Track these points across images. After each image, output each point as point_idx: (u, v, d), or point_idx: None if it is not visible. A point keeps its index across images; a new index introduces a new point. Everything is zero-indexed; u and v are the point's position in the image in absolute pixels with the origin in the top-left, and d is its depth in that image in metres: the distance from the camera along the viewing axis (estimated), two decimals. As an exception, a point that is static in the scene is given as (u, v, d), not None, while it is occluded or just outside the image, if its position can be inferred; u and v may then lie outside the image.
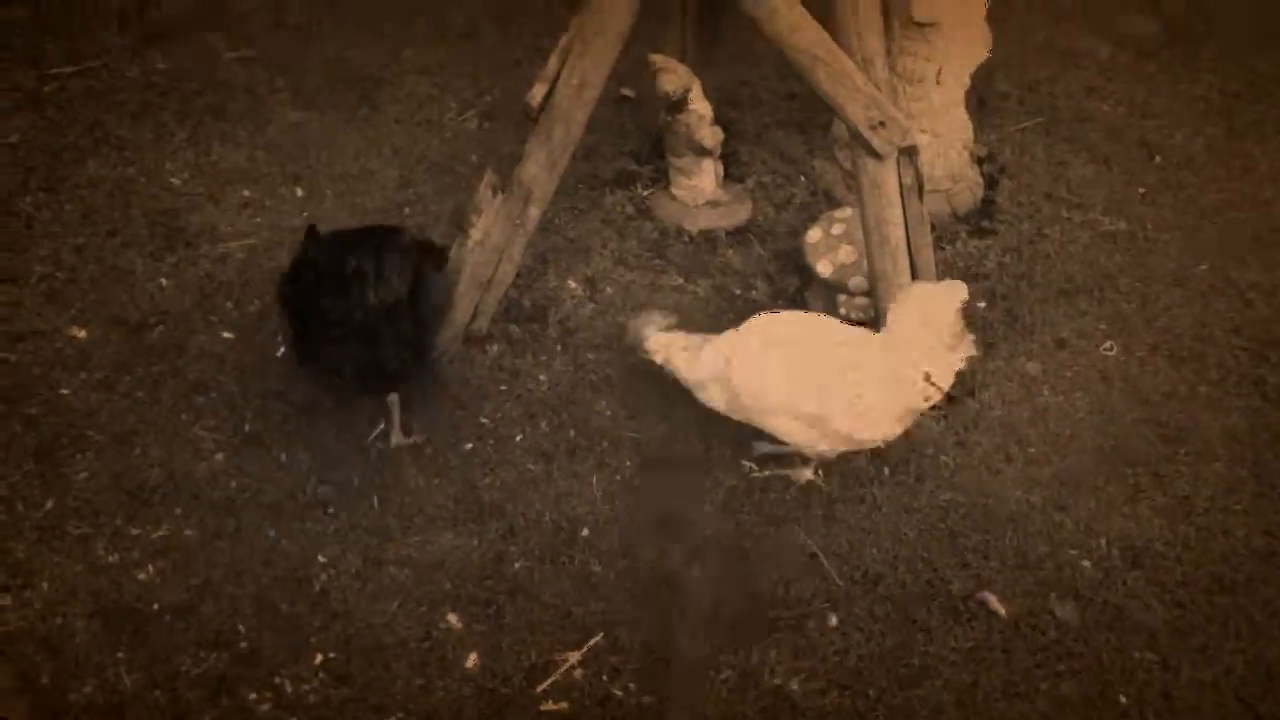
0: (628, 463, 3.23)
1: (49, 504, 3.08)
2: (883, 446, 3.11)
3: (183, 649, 2.80)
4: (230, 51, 4.42)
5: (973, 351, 2.89)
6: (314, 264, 2.94)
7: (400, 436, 3.22)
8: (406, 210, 3.95)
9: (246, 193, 3.94)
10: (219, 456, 3.21)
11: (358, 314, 2.91)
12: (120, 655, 2.79)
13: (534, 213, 3.32)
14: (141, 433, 3.24)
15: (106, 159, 4.00)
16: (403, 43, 4.59)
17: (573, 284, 3.72)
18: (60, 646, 2.80)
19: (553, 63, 3.17)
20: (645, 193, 4.04)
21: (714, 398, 3.05)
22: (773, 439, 3.10)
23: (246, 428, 3.27)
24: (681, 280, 3.75)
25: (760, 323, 3.04)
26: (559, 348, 3.52)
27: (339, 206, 3.94)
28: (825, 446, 3.02)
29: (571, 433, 3.29)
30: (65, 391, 3.33)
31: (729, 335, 3.04)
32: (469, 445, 3.26)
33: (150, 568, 2.96)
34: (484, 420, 3.32)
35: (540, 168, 3.23)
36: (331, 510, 3.10)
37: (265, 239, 3.80)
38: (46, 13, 4.44)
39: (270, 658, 2.79)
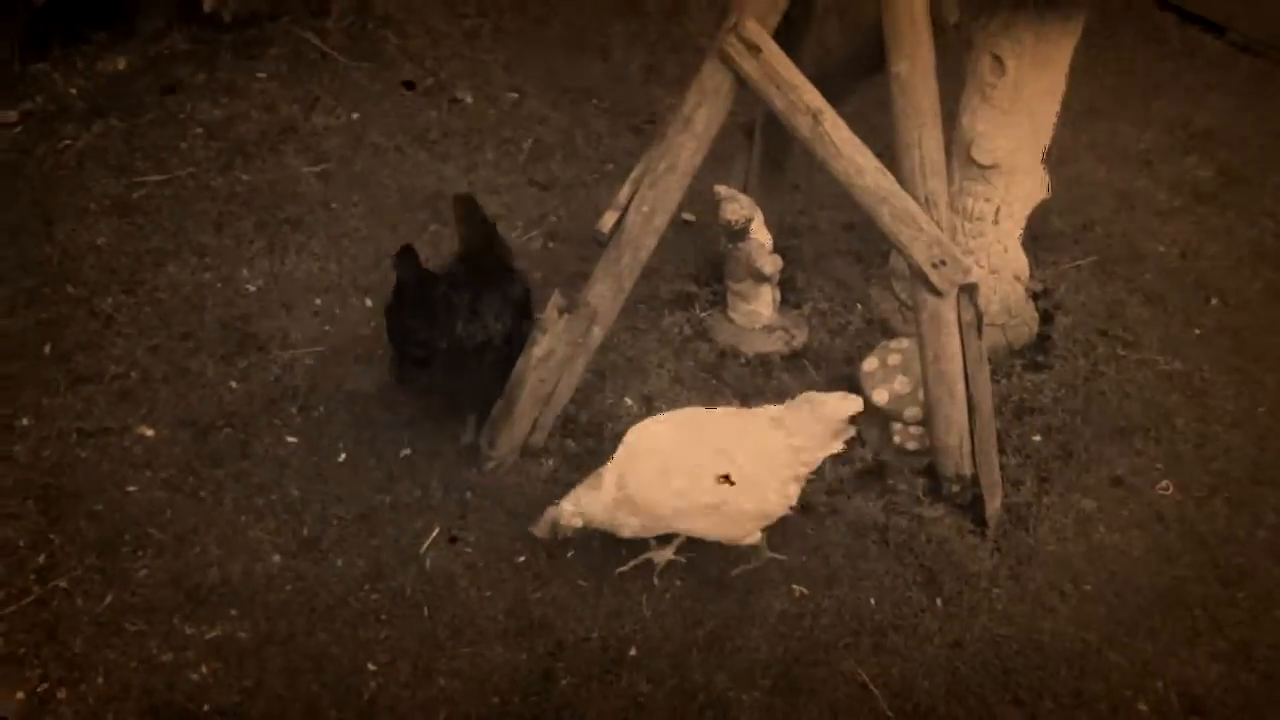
0: (678, 582, 3.23)
1: (108, 599, 3.13)
2: (791, 512, 3.14)
3: (229, 752, 2.81)
4: (309, 166, 4.62)
5: (851, 434, 3.07)
6: (405, 287, 3.29)
7: (471, 436, 3.44)
8: (470, 324, 4.04)
9: (318, 301, 4.07)
10: (276, 559, 3.26)
11: (443, 343, 3.20)
12: (169, 756, 2.80)
13: (597, 333, 3.40)
14: (202, 533, 3.30)
15: (186, 264, 4.15)
16: (473, 163, 4.77)
17: (629, 401, 3.78)
18: (110, 744, 2.82)
19: (624, 191, 3.29)
20: (703, 314, 4.12)
21: (631, 528, 3.07)
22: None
23: (305, 532, 3.33)
24: (737, 402, 3.79)
25: (637, 436, 3.10)
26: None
27: (405, 317, 4.04)
28: (731, 531, 3.08)
29: (623, 550, 3.30)
30: (131, 489, 3.41)
31: (613, 463, 3.06)
32: (521, 558, 3.29)
33: (203, 668, 2.99)
34: (537, 534, 3.34)
35: (607, 290, 3.32)
36: (384, 618, 3.12)
37: (334, 346, 3.91)
38: (140, 125, 4.67)
39: (317, 766, 2.79)
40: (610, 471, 3.06)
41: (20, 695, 2.92)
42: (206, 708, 2.90)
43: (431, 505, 3.39)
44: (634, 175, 3.34)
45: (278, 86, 4.97)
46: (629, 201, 3.30)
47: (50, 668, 2.97)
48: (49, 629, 3.05)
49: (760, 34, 3.07)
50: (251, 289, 4.10)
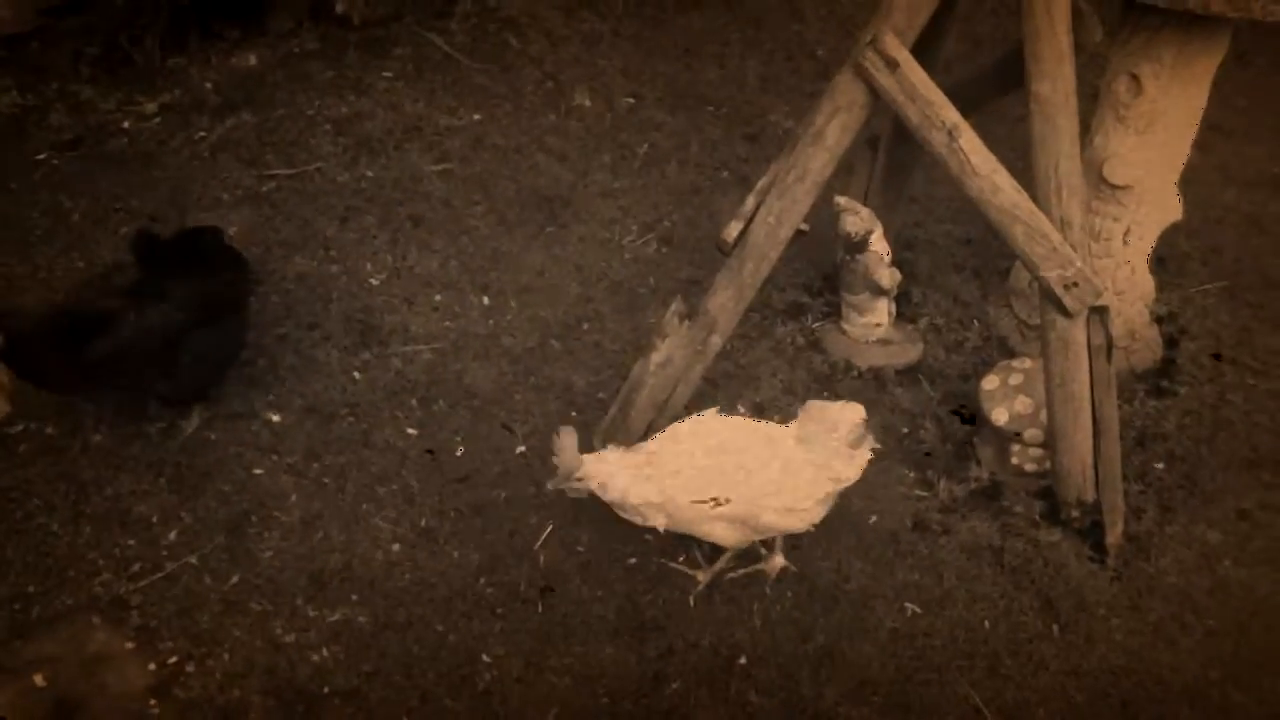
0: (789, 593, 3.23)
1: (235, 578, 3.24)
2: (811, 529, 3.11)
3: (350, 733, 2.88)
4: (432, 165, 4.71)
5: (876, 445, 3.06)
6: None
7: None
8: (585, 325, 4.10)
9: (438, 298, 4.16)
10: (395, 548, 3.33)
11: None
12: (291, 733, 2.89)
13: (716, 341, 3.42)
14: (325, 518, 3.40)
15: (312, 255, 4.27)
16: (589, 166, 4.82)
17: (741, 410, 3.78)
18: (236, 719, 2.92)
19: (750, 201, 3.30)
20: (815, 325, 4.11)
21: (655, 520, 3.05)
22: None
23: (423, 522, 3.40)
24: (848, 416, 3.77)
25: (681, 432, 3.08)
26: (725, 472, 3.56)
27: (521, 316, 4.12)
28: (757, 537, 3.10)
29: (733, 561, 3.31)
30: (258, 472, 3.52)
31: (652, 452, 3.04)
32: (633, 560, 3.32)
33: (324, 651, 3.07)
34: (648, 537, 3.37)
35: (728, 300, 3.34)
36: (498, 611, 3.18)
37: (452, 342, 3.99)
38: (270, 119, 4.82)
39: (431, 753, 2.85)
40: (645, 469, 3.02)
41: (152, 666, 3.04)
42: (327, 689, 2.98)
43: (545, 503, 3.43)
44: (760, 185, 3.34)
45: (403, 86, 5.08)
46: (754, 212, 3.30)
47: (180, 642, 3.09)
48: (179, 604, 3.17)
49: (898, 48, 3.06)
50: (374, 282, 4.20)
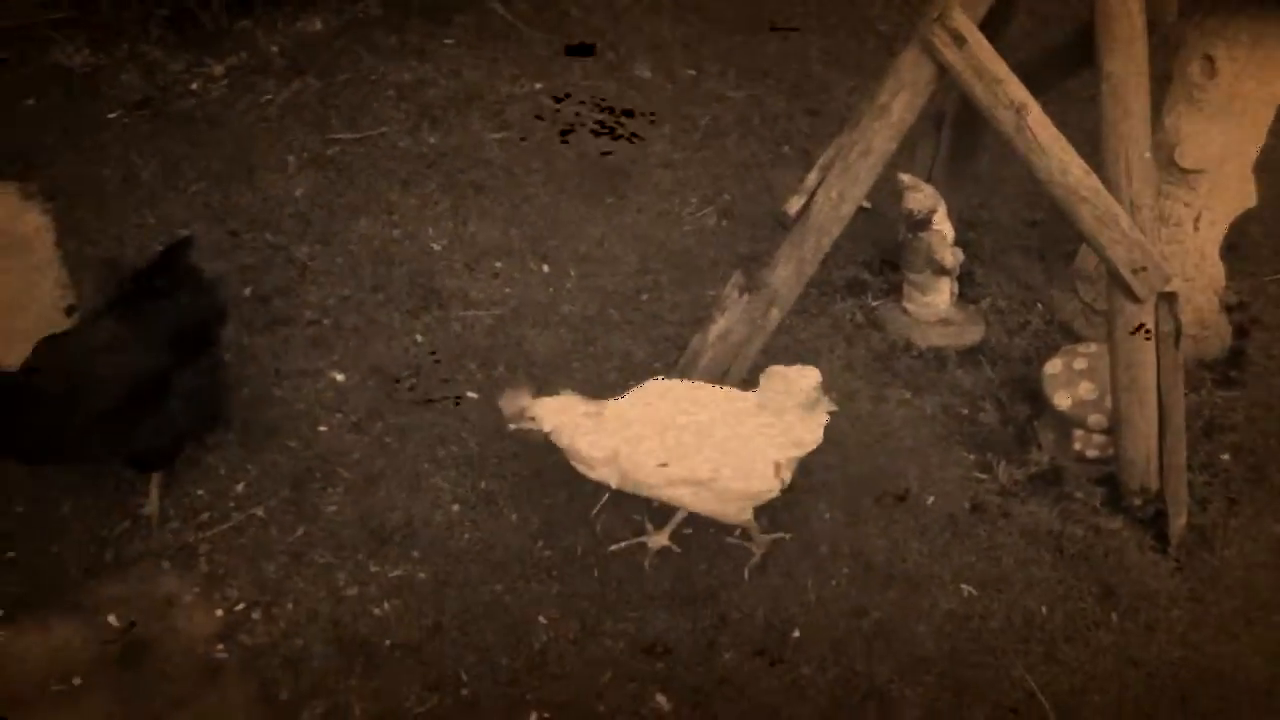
0: (845, 570, 3.25)
1: (300, 531, 3.31)
2: (776, 494, 3.10)
3: (409, 686, 2.95)
4: (493, 133, 4.74)
5: (832, 408, 3.06)
6: None
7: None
8: (644, 296, 4.12)
9: (498, 264, 4.19)
10: (455, 508, 3.38)
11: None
12: (352, 683, 2.95)
13: (775, 315, 3.43)
14: (388, 476, 3.45)
15: (376, 219, 4.32)
16: (650, 137, 4.82)
17: (801, 387, 3.78)
18: (299, 666, 2.99)
19: (813, 176, 3.29)
20: (875, 303, 4.10)
21: (606, 477, 3.06)
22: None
23: (483, 485, 3.45)
24: (909, 395, 3.78)
25: (641, 395, 3.08)
26: (783, 447, 3.58)
27: (580, 285, 4.14)
28: (718, 507, 3.08)
29: (789, 534, 3.33)
30: (323, 429, 3.58)
31: (613, 409, 3.04)
32: (689, 531, 3.34)
33: (385, 604, 3.13)
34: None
35: (788, 274, 3.34)
36: (555, 574, 3.22)
37: (512, 308, 4.02)
38: (335, 84, 4.86)
39: (488, 708, 2.90)
40: (606, 424, 3.00)
41: (219, 612, 3.11)
42: (388, 643, 3.04)
43: (604, 471, 3.46)
44: (823, 160, 3.34)
45: (465, 53, 5.10)
46: (817, 186, 3.30)
47: (246, 590, 3.16)
48: (246, 554, 3.24)
49: (967, 24, 3.03)
50: (436, 248, 4.24)
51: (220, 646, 3.04)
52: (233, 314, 3.86)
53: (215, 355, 3.36)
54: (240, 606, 3.13)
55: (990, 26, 3.11)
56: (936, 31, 3.01)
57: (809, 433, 3.04)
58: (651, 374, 3.78)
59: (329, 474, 3.46)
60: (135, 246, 4.09)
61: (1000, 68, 3.00)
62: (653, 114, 4.92)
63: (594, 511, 3.38)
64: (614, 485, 3.08)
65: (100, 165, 4.38)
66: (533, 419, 3.04)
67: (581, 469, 3.08)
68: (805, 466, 3.51)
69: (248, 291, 4.00)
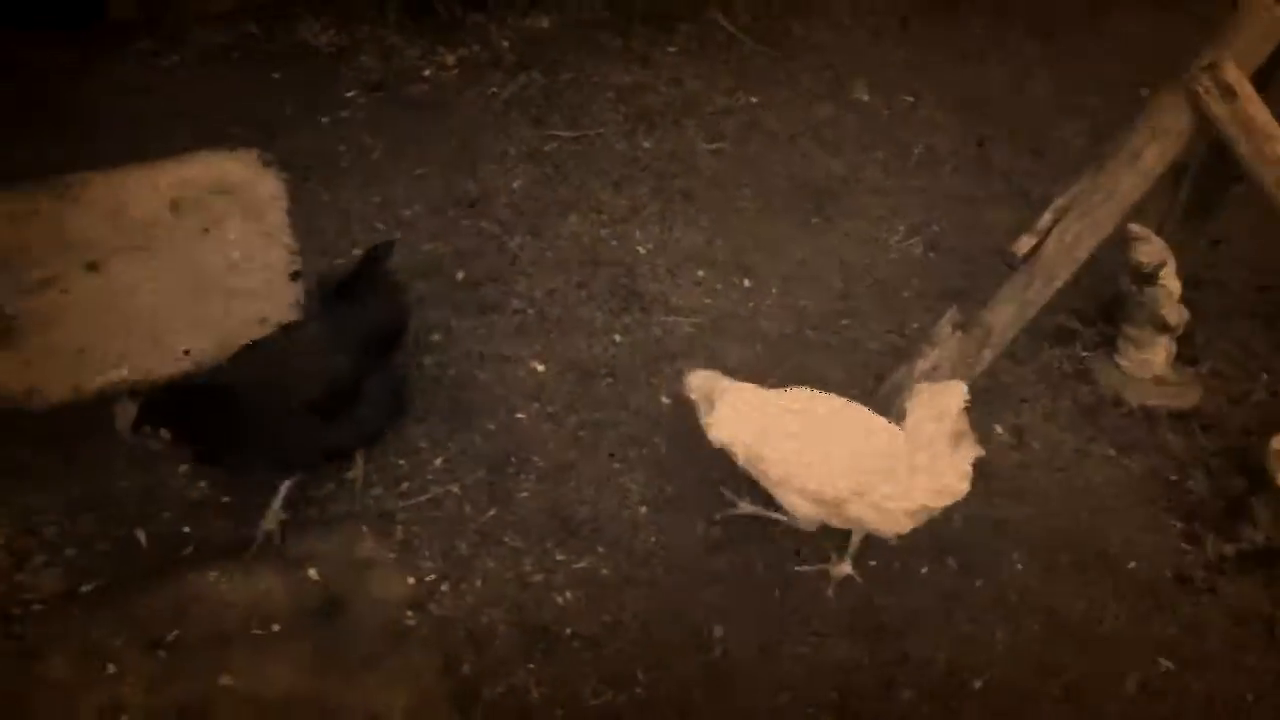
0: (1035, 625, 3.15)
1: (491, 512, 3.41)
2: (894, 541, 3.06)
3: (586, 678, 3.00)
4: (706, 143, 4.78)
5: (979, 452, 2.91)
6: None
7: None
8: (844, 321, 4.09)
9: (701, 273, 4.23)
10: (642, 509, 3.43)
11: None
12: (531, 667, 3.02)
13: (988, 356, 3.36)
14: (579, 469, 3.53)
15: (586, 217, 4.41)
16: (862, 161, 4.78)
17: (999, 430, 3.69)
18: (482, 643, 3.08)
19: (1047, 217, 3.21)
20: (1085, 354, 3.96)
21: (736, 451, 3.11)
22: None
23: (669, 489, 3.48)
24: (1114, 452, 3.64)
25: (797, 398, 3.11)
26: (978, 489, 3.48)
27: (780, 303, 4.14)
28: (834, 523, 3.07)
29: (979, 581, 3.24)
30: (520, 416, 3.68)
31: (766, 395, 3.10)
32: (873, 563, 3.30)
33: (568, 594, 3.20)
34: (893, 543, 3.34)
35: (1008, 315, 3.27)
36: (737, 588, 3.22)
37: (711, 318, 4.05)
38: (558, 83, 4.99)
39: (662, 711, 2.93)
40: (751, 401, 3.09)
41: (411, 580, 3.24)
42: (569, 631, 3.10)
43: (793, 491, 3.44)
44: (1059, 202, 3.25)
45: (685, 62, 5.16)
46: (1051, 228, 3.21)
47: (438, 562, 3.27)
48: (440, 527, 3.36)
49: (1239, 78, 2.91)
50: (642, 251, 4.31)
51: (409, 613, 3.16)
52: (444, 297, 4.05)
53: (401, 359, 3.47)
54: (431, 577, 3.24)
55: (1258, 79, 2.98)
56: (1204, 82, 2.90)
57: (957, 479, 2.93)
58: (852, 398, 3.76)
59: (523, 461, 3.55)
60: (360, 221, 4.29)
61: (1271, 125, 2.86)
62: (867, 139, 4.88)
63: (780, 529, 3.37)
64: (740, 462, 3.14)
65: (335, 141, 4.61)
66: (686, 390, 3.20)
67: (716, 442, 3.16)
68: (999, 511, 3.43)
69: (460, 276, 4.14)
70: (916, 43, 5.42)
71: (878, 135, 4.92)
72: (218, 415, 3.13)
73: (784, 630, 3.13)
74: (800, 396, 3.14)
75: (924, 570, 3.27)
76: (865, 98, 5.10)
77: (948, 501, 2.95)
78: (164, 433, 3.15)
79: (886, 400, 3.46)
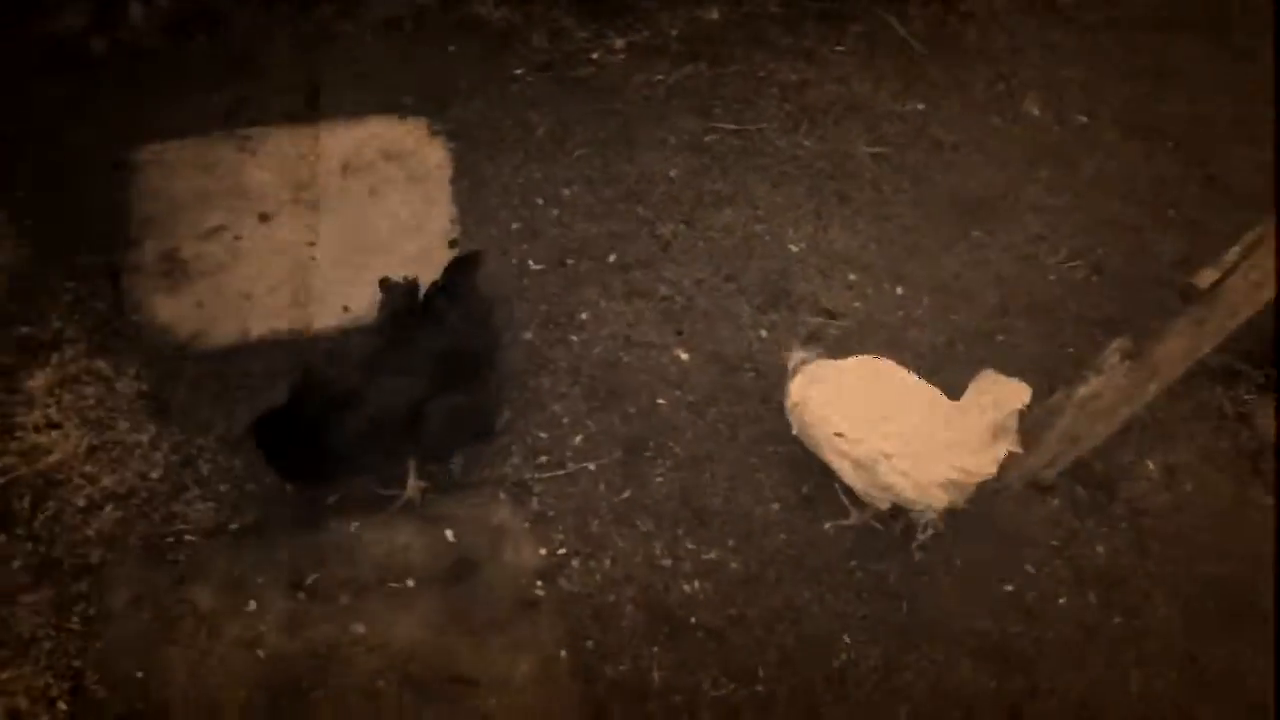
0: (1174, 673, 3.04)
1: (626, 493, 3.44)
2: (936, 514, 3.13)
3: (707, 668, 3.01)
4: (867, 146, 4.72)
5: (1016, 449, 2.95)
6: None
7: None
8: (998, 338, 3.99)
9: (852, 277, 4.18)
10: (774, 507, 3.42)
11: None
12: (655, 650, 3.05)
13: (1153, 389, 3.24)
14: (715, 461, 3.54)
15: (740, 211, 4.40)
16: (1026, 177, 4.65)
17: (1151, 466, 3.57)
18: (608, 622, 3.12)
19: (1233, 251, 3.08)
20: (1249, 397, 3.79)
21: (792, 420, 3.24)
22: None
23: (804, 490, 3.46)
24: (1272, 501, 3.47)
25: (847, 364, 3.24)
26: (1124, 525, 3.39)
27: (932, 314, 4.07)
28: (873, 494, 3.12)
29: (1117, 618, 3.14)
30: (661, 402, 3.71)
31: (820, 366, 3.24)
32: (1009, 588, 3.23)
33: (696, 583, 3.22)
34: (1029, 568, 3.27)
35: (1180, 350, 3.15)
36: (864, 597, 3.19)
37: (859, 322, 4.00)
38: (724, 74, 4.98)
39: (781, 711, 2.92)
40: (807, 373, 3.23)
41: (543, 551, 3.30)
42: (694, 620, 3.12)
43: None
44: (1249, 238, 3.11)
45: (853, 62, 5.10)
46: (1237, 264, 3.08)
47: (570, 537, 3.33)
48: (575, 503, 3.41)
49: None
50: (794, 249, 4.28)
51: (539, 584, 3.22)
52: (594, 277, 4.10)
53: (487, 380, 3.34)
54: (562, 551, 3.30)
55: None
56: None
57: (982, 461, 2.98)
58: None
59: (661, 446, 3.57)
60: (519, 195, 4.37)
61: None
62: (1034, 154, 4.75)
63: (915, 542, 3.32)
64: (794, 432, 3.25)
65: (501, 115, 4.70)
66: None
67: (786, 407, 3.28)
68: (1145, 550, 3.31)
69: (612, 258, 4.18)
70: (1094, 61, 5.23)
71: (1046, 152, 4.78)
72: (287, 439, 3.17)
73: (910, 644, 3.08)
74: (865, 362, 3.28)
75: (1061, 601, 3.18)
76: (1036, 112, 4.96)
77: (973, 480, 3.00)
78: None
79: (1036, 424, 3.37)
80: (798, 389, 3.24)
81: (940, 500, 3.06)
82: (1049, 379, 3.80)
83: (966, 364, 3.88)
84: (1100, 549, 3.31)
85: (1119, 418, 3.30)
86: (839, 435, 3.11)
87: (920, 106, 4.93)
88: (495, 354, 3.40)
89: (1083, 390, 3.25)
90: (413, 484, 3.37)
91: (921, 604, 3.18)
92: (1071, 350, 3.92)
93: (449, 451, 3.40)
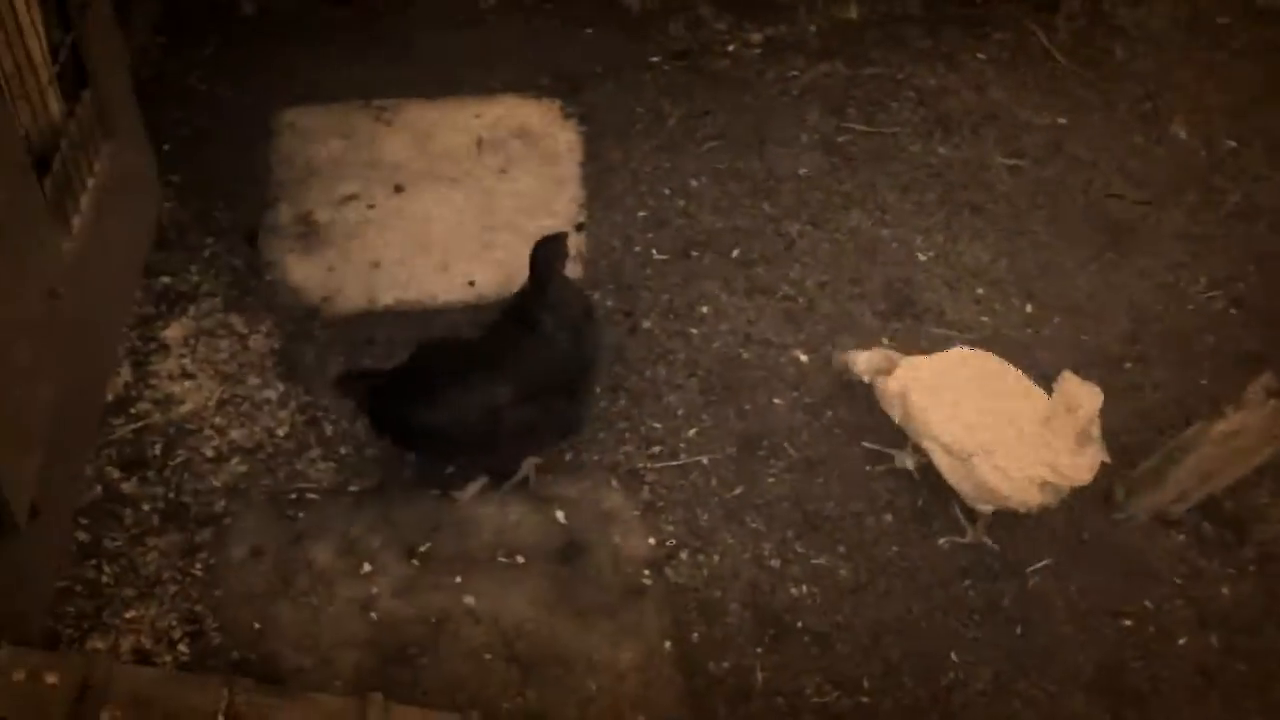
0: (1298, 726, 2.92)
1: (738, 490, 3.43)
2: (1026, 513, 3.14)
3: (811, 674, 2.99)
4: (1004, 158, 4.61)
5: (1104, 458, 2.99)
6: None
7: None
8: (1127, 364, 3.88)
9: (980, 290, 4.10)
10: (888, 518, 3.38)
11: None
12: (759, 651, 3.04)
13: (1300, 430, 3.11)
14: (829, 465, 3.51)
15: (869, 215, 4.35)
16: (1169, 203, 4.50)
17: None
18: (713, 617, 3.12)
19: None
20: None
21: (894, 411, 3.29)
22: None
23: (920, 503, 3.41)
24: None
25: (951, 356, 3.31)
26: (1252, 569, 3.27)
27: (1060, 334, 3.97)
28: (965, 488, 3.15)
29: (1241, 665, 3.03)
30: (778, 401, 3.69)
31: (918, 359, 3.32)
32: (1128, 622, 3.15)
33: (803, 587, 3.19)
34: (1148, 603, 3.18)
35: (1335, 390, 3.01)
36: (976, 618, 3.13)
37: (984, 338, 3.92)
38: (860, 75, 4.91)
39: (885, 726, 2.88)
40: (905, 365, 3.30)
41: (651, 541, 3.31)
42: (800, 624, 3.10)
43: (1052, 532, 3.32)
44: None
45: (994, 71, 4.99)
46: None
47: (679, 529, 3.33)
48: (686, 495, 3.41)
49: None
50: (921, 257, 4.21)
51: (646, 573, 3.23)
52: (717, 271, 4.08)
53: (576, 391, 3.29)
54: (671, 542, 3.30)
55: None
56: None
57: (1074, 467, 2.98)
58: (1118, 445, 3.58)
59: (775, 446, 3.55)
60: (647, 184, 4.38)
61: None
62: (1178, 178, 4.59)
63: (1030, 569, 3.25)
64: (897, 420, 3.30)
65: (634, 102, 4.71)
66: (854, 371, 3.39)
67: (883, 405, 3.35)
68: (1275, 595, 3.19)
69: (735, 253, 4.17)
70: (1245, 86, 5.04)
71: (1191, 177, 4.62)
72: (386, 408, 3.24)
73: (1021, 670, 3.02)
74: (963, 354, 3.34)
75: (1181, 640, 3.09)
76: (1183, 135, 4.80)
77: (1066, 484, 3.01)
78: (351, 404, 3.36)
79: (1167, 456, 3.28)
80: (899, 378, 3.29)
81: (1034, 499, 3.06)
82: (1181, 410, 3.70)
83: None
84: (1225, 590, 3.20)
85: (1257, 457, 3.18)
86: (935, 426, 3.17)
87: (1061, 121, 4.81)
88: (589, 369, 3.35)
89: (1221, 425, 3.13)
90: (527, 462, 3.40)
91: (1035, 630, 3.11)
92: (1205, 383, 3.79)
93: (518, 462, 3.38)
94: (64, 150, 3.15)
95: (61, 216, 3.14)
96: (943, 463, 3.20)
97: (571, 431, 3.39)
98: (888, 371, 3.33)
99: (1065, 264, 4.23)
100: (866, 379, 3.38)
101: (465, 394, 3.14)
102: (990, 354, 3.32)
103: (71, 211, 3.21)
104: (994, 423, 3.08)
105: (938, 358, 3.33)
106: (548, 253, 3.26)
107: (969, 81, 4.94)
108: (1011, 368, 3.26)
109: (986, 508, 3.19)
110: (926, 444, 3.23)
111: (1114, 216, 4.44)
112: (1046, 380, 3.73)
